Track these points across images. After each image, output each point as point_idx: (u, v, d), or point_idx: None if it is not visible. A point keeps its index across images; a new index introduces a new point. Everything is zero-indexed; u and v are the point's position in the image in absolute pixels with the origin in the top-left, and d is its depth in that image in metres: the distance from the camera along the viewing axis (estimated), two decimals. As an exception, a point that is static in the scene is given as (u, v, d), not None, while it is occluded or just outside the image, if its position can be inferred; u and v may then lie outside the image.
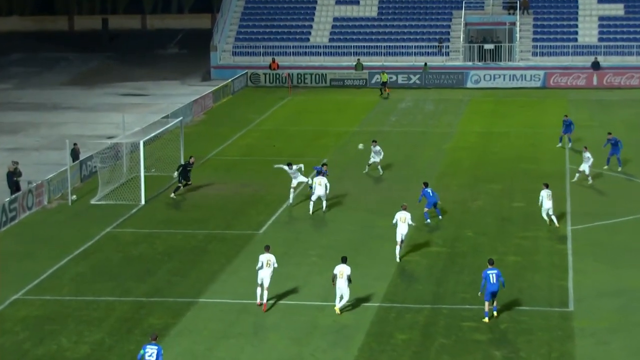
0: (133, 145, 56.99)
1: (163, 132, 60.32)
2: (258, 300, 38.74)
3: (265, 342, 35.83)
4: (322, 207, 51.86)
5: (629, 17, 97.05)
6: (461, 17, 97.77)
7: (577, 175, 56.69)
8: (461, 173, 59.07)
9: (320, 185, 51.23)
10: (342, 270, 37.84)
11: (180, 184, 54.85)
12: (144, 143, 54.14)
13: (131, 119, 69.33)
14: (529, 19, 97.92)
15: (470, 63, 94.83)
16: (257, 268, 38.64)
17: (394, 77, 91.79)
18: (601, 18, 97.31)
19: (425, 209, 49.43)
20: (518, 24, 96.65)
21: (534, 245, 46.52)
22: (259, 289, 38.70)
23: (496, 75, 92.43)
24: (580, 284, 41.22)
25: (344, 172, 59.61)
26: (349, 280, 37.70)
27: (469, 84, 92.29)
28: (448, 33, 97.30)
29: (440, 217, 49.97)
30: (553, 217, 48.64)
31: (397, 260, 44.18)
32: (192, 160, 56.19)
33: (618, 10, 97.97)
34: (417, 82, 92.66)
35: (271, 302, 38.99)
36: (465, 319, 37.57)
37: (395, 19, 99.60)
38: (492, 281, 37.16)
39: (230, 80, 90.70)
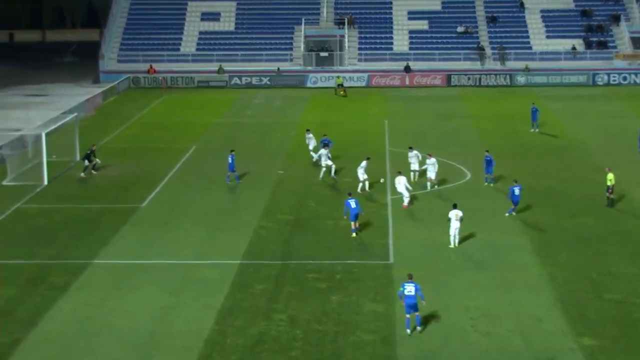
0: (36, 136, 55.63)
1: (62, 126, 59.00)
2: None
3: (148, 294, 35.31)
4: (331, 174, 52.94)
5: (432, 31, 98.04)
6: (302, 31, 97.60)
7: (428, 184, 50.52)
8: (304, 154, 59.02)
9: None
10: (457, 213, 39.76)
11: (86, 166, 54.37)
12: (45, 134, 53.11)
13: (35, 115, 67.94)
14: (355, 32, 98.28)
15: (309, 67, 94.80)
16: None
17: (249, 79, 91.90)
18: (411, 31, 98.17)
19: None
20: (347, 36, 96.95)
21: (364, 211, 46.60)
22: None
23: (330, 77, 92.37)
24: (399, 241, 41.55)
25: (211, 154, 59.18)
26: (461, 219, 39.80)
27: (309, 84, 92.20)
28: (291, 44, 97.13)
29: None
30: None
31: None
32: (93, 147, 56.10)
33: (424, 25, 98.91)
34: (268, 82, 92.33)
35: (155, 262, 38.59)
36: (309, 272, 37.56)
37: (249, 32, 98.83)
38: (352, 206, 41.72)
39: (116, 82, 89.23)
